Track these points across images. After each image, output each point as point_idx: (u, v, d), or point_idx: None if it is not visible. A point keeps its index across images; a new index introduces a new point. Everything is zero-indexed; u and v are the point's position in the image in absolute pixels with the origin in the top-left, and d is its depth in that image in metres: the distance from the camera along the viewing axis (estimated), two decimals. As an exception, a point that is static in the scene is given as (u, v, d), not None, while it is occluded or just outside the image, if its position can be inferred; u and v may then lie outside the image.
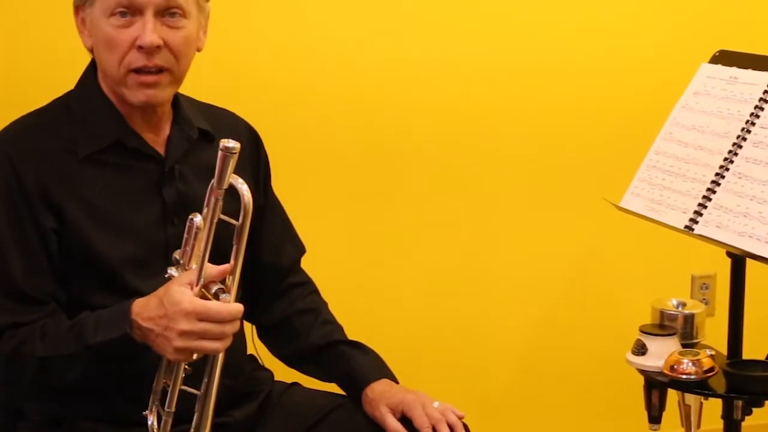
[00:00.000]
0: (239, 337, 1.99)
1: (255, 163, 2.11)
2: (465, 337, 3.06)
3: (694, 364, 2.20)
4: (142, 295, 1.80)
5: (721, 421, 2.24)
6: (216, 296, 1.76)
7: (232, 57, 2.72)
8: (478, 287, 3.05)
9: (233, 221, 1.78)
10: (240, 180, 1.78)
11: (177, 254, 1.81)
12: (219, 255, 1.77)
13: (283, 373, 2.17)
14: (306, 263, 2.23)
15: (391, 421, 1.97)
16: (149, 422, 1.84)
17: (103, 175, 1.92)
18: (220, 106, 2.14)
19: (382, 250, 2.96)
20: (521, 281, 3.08)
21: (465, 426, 1.98)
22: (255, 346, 2.16)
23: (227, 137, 1.74)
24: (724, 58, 2.37)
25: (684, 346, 2.29)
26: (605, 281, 3.16)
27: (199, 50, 1.97)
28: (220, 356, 1.79)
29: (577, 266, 3.14)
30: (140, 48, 1.87)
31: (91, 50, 1.95)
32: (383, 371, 2.08)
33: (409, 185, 2.97)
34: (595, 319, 3.14)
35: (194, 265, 1.76)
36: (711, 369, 2.20)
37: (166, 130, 1.98)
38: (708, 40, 2.59)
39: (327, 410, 2.05)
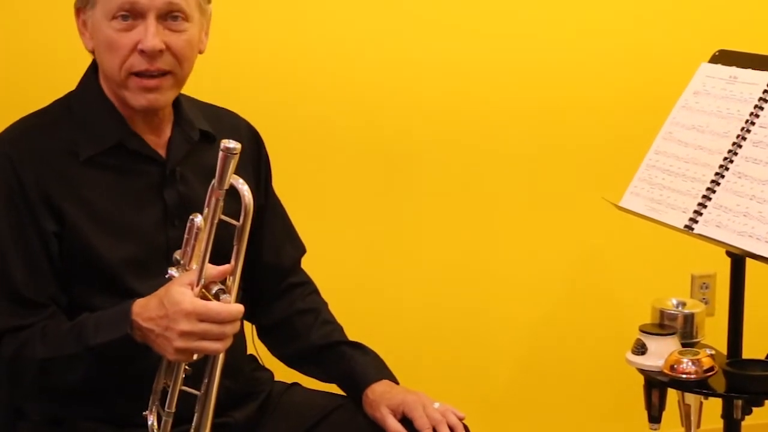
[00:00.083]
0: (239, 337, 1.99)
1: (256, 162, 2.11)
2: (465, 337, 3.06)
3: (694, 363, 2.20)
4: (142, 297, 1.80)
5: (721, 421, 2.24)
6: (216, 297, 1.76)
7: (233, 57, 2.72)
8: (478, 287, 3.05)
9: (234, 222, 1.78)
10: (241, 180, 1.77)
11: (177, 254, 1.81)
12: (219, 255, 1.77)
13: (283, 373, 2.17)
14: (306, 263, 2.23)
15: (392, 422, 1.97)
16: (149, 423, 1.84)
17: (104, 177, 1.91)
18: (221, 106, 2.14)
19: (382, 250, 2.96)
20: (521, 281, 3.08)
21: (465, 427, 1.97)
22: (255, 347, 2.16)
23: (228, 137, 1.74)
24: (724, 57, 2.37)
25: (684, 345, 2.29)
26: (605, 281, 3.16)
27: (201, 52, 1.96)
28: (221, 357, 1.79)
29: (577, 266, 3.14)
30: (142, 52, 1.86)
31: (92, 52, 1.94)
32: (384, 372, 2.07)
33: (409, 185, 2.97)
34: (595, 318, 3.14)
35: (195, 266, 1.76)
36: (711, 368, 2.20)
37: (168, 131, 1.98)
38: (708, 40, 2.60)
39: (327, 411, 2.05)
